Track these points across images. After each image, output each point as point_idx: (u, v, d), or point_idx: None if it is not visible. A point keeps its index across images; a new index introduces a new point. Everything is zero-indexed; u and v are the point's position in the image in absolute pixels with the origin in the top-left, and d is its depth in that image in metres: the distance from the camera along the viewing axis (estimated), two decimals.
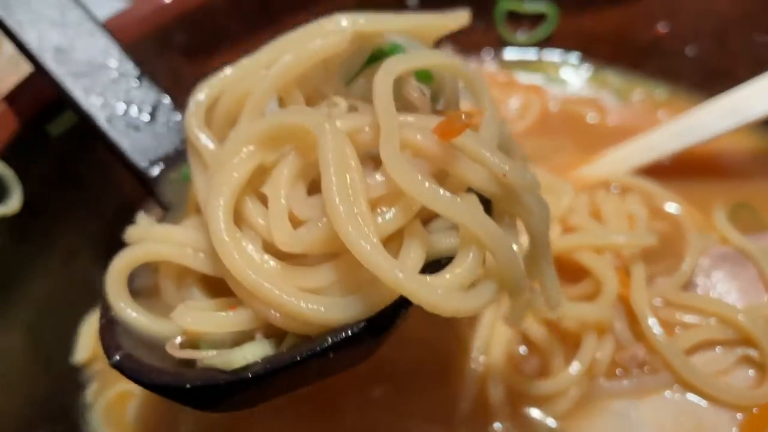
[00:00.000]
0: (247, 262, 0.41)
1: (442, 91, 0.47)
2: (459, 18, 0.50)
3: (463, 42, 0.91)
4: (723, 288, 0.63)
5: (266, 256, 0.42)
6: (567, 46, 0.89)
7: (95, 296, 0.67)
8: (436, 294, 0.38)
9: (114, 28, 0.70)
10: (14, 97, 0.63)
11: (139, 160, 0.59)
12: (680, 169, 0.73)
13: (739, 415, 0.55)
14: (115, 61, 0.61)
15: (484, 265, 0.41)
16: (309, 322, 0.40)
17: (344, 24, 0.46)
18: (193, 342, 0.45)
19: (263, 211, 0.43)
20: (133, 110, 0.61)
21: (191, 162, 0.48)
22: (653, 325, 0.59)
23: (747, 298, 0.62)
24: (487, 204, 0.43)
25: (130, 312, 0.47)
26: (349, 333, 0.40)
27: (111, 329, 0.47)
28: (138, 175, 0.59)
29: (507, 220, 0.44)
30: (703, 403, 0.56)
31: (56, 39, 0.60)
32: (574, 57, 0.89)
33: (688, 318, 0.60)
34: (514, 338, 0.60)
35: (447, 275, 0.40)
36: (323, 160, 0.39)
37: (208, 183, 0.45)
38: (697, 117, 0.72)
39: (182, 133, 0.58)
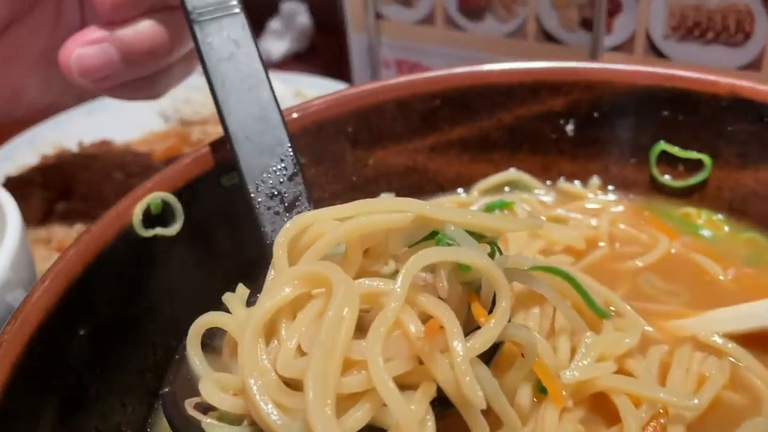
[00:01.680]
0: (255, 368, 0.53)
1: (479, 280, 0.57)
2: (530, 224, 0.58)
3: (614, 174, 0.94)
4: None
5: (272, 373, 0.53)
6: (715, 198, 0.87)
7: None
8: None
9: (301, 112, 0.89)
10: (207, 152, 0.83)
11: (268, 236, 0.74)
12: None
13: None
14: (284, 156, 0.77)
15: None
16: (269, 429, 0.51)
17: (413, 208, 0.56)
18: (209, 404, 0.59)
19: None
20: (278, 199, 0.76)
21: (270, 270, 0.60)
22: None
23: None
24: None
25: (193, 358, 0.62)
26: None
27: (179, 364, 0.63)
28: (263, 245, 0.74)
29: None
30: None
31: (250, 130, 0.77)
32: (719, 210, 0.86)
33: None
34: None
35: None
36: (327, 310, 0.51)
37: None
38: None
39: None
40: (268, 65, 0.82)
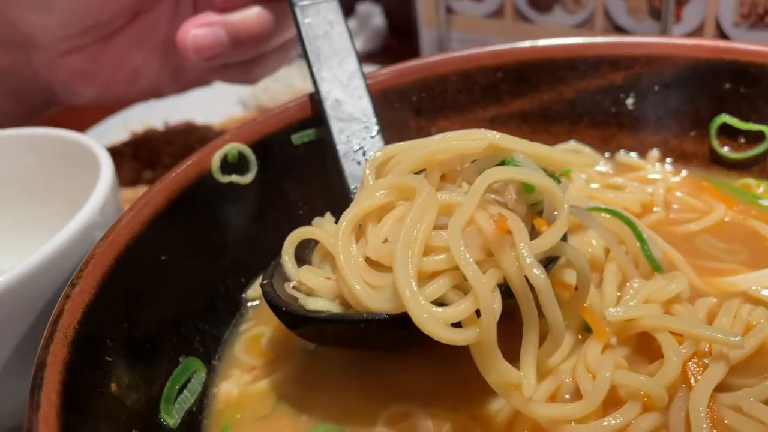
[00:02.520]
0: (347, 255, 0.61)
1: (541, 203, 0.63)
2: (587, 160, 0.63)
3: (674, 147, 0.95)
4: None
5: (360, 258, 0.61)
6: None
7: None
8: (422, 315, 0.54)
9: (369, 80, 0.95)
10: (280, 113, 0.89)
11: (350, 183, 0.83)
12: None
13: None
14: (366, 118, 0.86)
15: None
16: (358, 302, 0.59)
17: (486, 137, 0.62)
18: (307, 290, 0.66)
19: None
20: (361, 152, 0.85)
21: (358, 189, 0.68)
22: (702, 422, 0.57)
23: None
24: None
25: (287, 262, 0.70)
26: (373, 318, 0.58)
27: (273, 269, 0.71)
28: (345, 190, 0.83)
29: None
30: None
31: (338, 94, 0.87)
32: None
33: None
34: (565, 385, 0.64)
35: (440, 309, 0.55)
36: (411, 209, 0.59)
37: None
38: None
39: None
40: None
